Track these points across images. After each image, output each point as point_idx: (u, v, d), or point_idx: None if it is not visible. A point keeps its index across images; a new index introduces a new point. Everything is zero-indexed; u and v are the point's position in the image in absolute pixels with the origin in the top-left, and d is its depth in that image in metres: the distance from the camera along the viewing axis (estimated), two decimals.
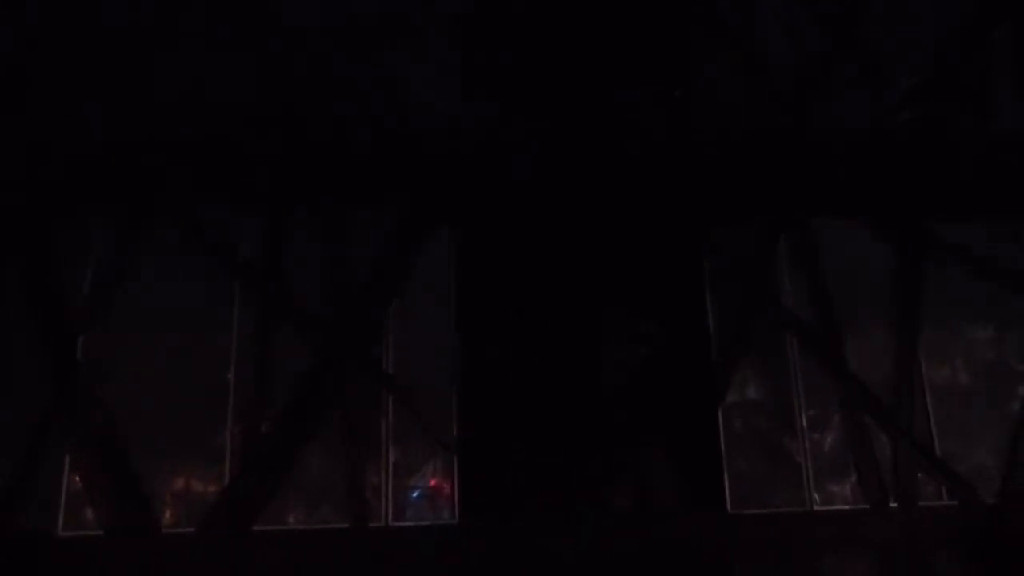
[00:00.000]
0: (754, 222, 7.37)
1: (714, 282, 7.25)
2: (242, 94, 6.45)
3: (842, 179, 6.90)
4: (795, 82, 7.47)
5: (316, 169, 6.13)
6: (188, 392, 6.45)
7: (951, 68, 7.40)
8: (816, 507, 7.14)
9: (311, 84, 6.67)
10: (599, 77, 6.36)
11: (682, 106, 6.53)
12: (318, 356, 6.30)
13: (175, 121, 6.06)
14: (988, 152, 7.04)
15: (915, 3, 7.80)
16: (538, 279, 6.57)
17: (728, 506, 6.85)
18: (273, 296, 6.57)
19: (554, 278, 6.52)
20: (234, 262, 6.58)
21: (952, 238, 7.48)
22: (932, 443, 7.31)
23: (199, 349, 6.56)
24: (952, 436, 7.43)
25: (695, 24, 6.93)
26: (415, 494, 6.84)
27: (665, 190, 6.38)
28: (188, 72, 6.56)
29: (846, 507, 7.19)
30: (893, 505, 7.02)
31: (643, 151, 6.23)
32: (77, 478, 6.18)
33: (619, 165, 6.27)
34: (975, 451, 7.52)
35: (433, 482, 6.85)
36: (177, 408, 6.39)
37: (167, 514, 6.39)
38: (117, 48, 6.60)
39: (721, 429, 7.05)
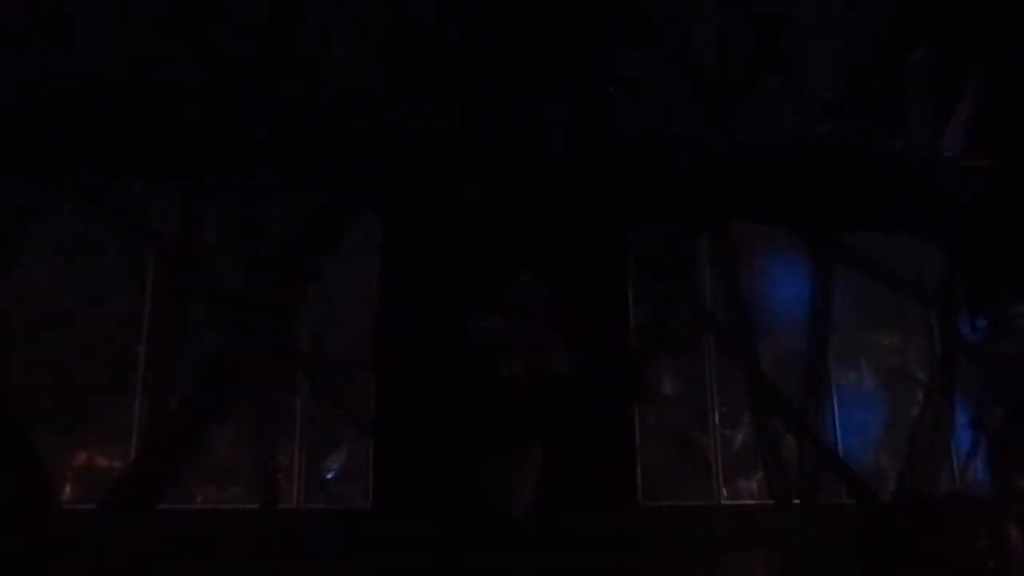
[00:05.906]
0: (676, 223, 7.57)
1: (636, 280, 7.42)
2: (157, 66, 6.24)
3: (761, 185, 7.15)
4: (722, 87, 7.69)
5: (232, 144, 6.00)
6: (95, 364, 6.26)
7: (864, 85, 7.75)
8: (724, 502, 7.38)
9: (228, 56, 6.51)
10: (526, 66, 6.42)
11: (609, 103, 6.66)
12: (231, 333, 6.19)
13: (80, 89, 5.82)
14: (896, 168, 7.40)
15: (839, 19, 8.13)
16: (462, 266, 6.59)
17: (639, 498, 7.02)
18: (186, 269, 6.41)
19: (478, 266, 6.56)
20: (146, 232, 6.41)
21: (861, 249, 7.84)
22: (836, 444, 7.63)
23: (109, 320, 6.36)
24: (854, 438, 7.77)
25: (626, 22, 7.06)
26: (329, 476, 6.79)
27: (589, 186, 6.50)
28: (95, 41, 6.31)
29: (752, 502, 7.44)
30: (796, 502, 7.30)
31: (568, 145, 6.33)
32: None
33: (545, 157, 6.35)
34: (875, 453, 7.88)
35: (348, 465, 6.81)
36: (83, 380, 6.20)
37: (68, 490, 6.19)
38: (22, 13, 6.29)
39: (637, 423, 7.24)
